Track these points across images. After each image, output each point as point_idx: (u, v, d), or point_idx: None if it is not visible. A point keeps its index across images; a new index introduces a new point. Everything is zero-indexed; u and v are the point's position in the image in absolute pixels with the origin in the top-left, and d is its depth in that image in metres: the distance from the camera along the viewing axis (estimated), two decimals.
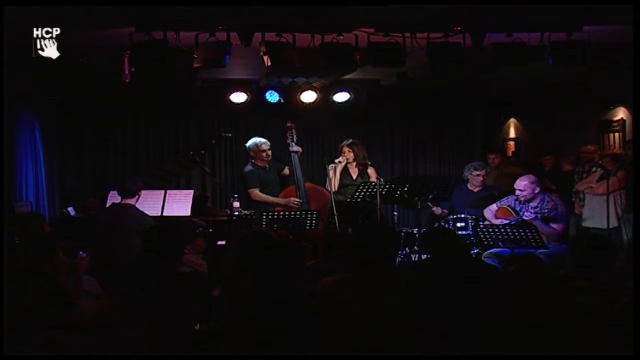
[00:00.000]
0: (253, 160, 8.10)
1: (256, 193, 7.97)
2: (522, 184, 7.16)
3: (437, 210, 8.09)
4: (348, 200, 7.79)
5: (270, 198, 7.97)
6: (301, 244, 5.40)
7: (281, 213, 7.00)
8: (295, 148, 8.07)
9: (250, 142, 8.15)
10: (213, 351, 3.75)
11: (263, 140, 8.10)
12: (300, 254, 4.71)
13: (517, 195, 7.17)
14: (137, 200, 6.73)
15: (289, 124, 8.20)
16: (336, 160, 8.04)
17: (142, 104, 9.10)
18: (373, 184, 7.47)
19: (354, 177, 8.13)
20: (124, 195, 6.68)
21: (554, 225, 7.01)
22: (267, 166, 8.13)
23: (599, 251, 4.11)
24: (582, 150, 8.48)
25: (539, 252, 6.63)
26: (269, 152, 8.10)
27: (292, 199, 7.92)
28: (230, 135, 9.12)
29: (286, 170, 8.35)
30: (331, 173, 7.96)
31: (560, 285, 4.00)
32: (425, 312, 3.63)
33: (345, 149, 8.07)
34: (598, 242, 4.29)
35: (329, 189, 7.82)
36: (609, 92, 8.83)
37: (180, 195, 7.66)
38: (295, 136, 8.10)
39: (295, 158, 8.01)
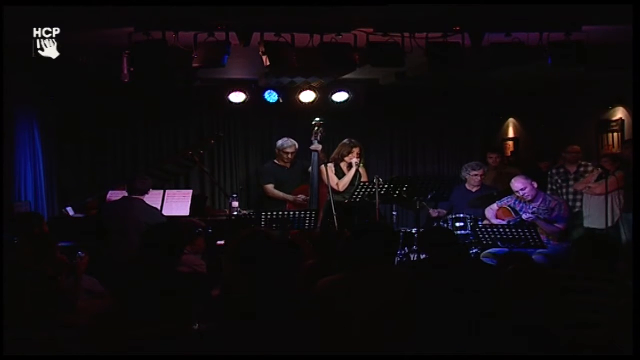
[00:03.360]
0: (275, 159, 8.38)
1: (269, 189, 8.27)
2: (519, 185, 7.15)
3: (434, 212, 8.10)
4: (346, 200, 7.80)
5: (281, 194, 8.20)
6: (301, 243, 5.40)
7: (280, 213, 7.01)
8: (314, 146, 7.97)
9: (278, 141, 8.38)
10: (213, 351, 3.75)
11: (290, 143, 8.29)
12: (299, 253, 4.72)
13: (522, 197, 7.15)
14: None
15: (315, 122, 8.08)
16: (353, 162, 8.00)
17: (142, 104, 9.09)
18: (372, 184, 7.47)
19: None
20: (135, 194, 6.68)
21: (556, 225, 7.02)
22: (288, 166, 8.33)
23: (604, 251, 4.12)
24: (569, 150, 8.45)
25: (539, 252, 6.65)
26: (291, 156, 8.27)
27: (300, 196, 8.05)
28: (222, 135, 9.14)
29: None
30: (331, 173, 7.97)
31: (559, 285, 4.01)
32: (424, 312, 3.63)
33: (357, 150, 8.04)
34: (603, 243, 4.30)
35: (335, 188, 7.84)
36: (608, 92, 8.82)
37: (179, 195, 7.67)
38: (320, 135, 7.99)
39: (314, 156, 7.98)
